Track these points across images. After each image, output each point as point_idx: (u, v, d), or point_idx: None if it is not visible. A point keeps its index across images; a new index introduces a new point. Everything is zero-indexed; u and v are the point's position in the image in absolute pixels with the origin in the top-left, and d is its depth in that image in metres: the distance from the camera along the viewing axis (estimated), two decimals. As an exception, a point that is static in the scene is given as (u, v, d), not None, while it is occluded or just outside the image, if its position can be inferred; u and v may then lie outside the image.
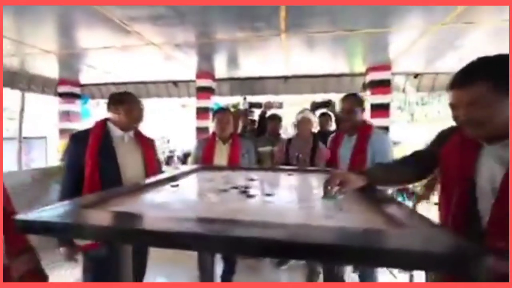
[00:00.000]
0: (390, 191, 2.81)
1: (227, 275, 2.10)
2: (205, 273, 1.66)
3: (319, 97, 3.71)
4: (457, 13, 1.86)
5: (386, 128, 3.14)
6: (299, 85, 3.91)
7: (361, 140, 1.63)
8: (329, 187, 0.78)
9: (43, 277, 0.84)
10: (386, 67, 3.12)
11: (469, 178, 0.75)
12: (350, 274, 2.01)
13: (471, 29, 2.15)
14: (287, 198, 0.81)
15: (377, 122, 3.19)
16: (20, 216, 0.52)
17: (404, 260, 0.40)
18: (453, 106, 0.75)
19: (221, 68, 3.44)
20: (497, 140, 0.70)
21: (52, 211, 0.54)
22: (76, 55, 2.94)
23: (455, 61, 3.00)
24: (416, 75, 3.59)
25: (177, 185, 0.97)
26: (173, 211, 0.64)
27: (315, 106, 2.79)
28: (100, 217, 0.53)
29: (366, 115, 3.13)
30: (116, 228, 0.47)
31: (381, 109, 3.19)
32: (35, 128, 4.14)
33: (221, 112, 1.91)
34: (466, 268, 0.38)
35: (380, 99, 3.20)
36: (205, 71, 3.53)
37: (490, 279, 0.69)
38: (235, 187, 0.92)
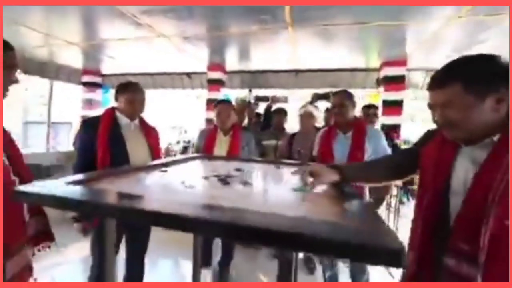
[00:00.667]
0: (394, 191, 2.76)
1: (225, 260, 2.20)
2: (201, 257, 1.75)
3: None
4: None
5: (397, 126, 3.03)
6: (310, 79, 3.86)
7: (357, 137, 1.63)
8: (302, 180, 0.81)
9: (51, 237, 0.99)
10: (401, 62, 2.98)
11: (443, 177, 0.75)
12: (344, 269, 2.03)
13: (493, 22, 1.99)
14: (261, 188, 0.85)
15: (389, 120, 3.09)
16: (18, 188, 0.62)
17: (328, 248, 0.43)
18: (430, 106, 0.75)
19: (231, 61, 3.48)
20: (474, 142, 0.69)
21: (45, 185, 0.63)
22: (97, 46, 3.14)
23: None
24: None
25: (165, 171, 1.05)
26: (148, 191, 0.71)
27: (316, 98, 2.75)
28: (80, 192, 0.61)
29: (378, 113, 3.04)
30: (89, 202, 0.55)
31: (394, 106, 3.07)
32: (62, 114, 4.48)
33: (221, 104, 1.96)
34: (387, 261, 0.41)
35: (393, 95, 3.07)
36: (216, 64, 3.60)
37: (446, 276, 0.69)
38: (217, 176, 0.98)
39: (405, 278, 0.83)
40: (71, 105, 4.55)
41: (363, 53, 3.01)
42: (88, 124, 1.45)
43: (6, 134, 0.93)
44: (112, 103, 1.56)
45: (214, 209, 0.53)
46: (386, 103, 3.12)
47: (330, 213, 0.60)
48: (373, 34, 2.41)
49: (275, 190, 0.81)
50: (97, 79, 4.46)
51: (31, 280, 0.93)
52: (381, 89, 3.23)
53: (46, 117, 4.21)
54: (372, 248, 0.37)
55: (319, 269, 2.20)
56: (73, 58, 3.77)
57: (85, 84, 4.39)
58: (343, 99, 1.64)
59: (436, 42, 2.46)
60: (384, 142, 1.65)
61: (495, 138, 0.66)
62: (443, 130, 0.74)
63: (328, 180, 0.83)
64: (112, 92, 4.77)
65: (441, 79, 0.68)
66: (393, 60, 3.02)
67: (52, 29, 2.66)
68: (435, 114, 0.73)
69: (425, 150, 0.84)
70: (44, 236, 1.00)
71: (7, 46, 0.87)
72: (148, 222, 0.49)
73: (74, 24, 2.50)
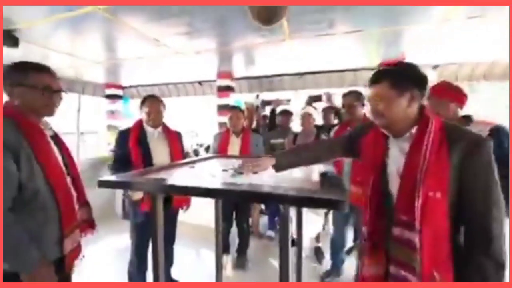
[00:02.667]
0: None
1: (242, 248, 2.48)
2: (222, 246, 2.00)
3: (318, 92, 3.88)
4: (458, 9, 1.93)
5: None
6: (315, 80, 4.08)
7: None
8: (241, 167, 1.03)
9: (94, 225, 1.23)
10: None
11: (380, 165, 0.92)
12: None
13: (475, 24, 2.16)
14: (265, 174, 1.13)
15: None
16: (101, 178, 0.92)
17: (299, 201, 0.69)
18: (368, 100, 0.91)
19: (239, 69, 3.78)
20: (398, 134, 0.87)
21: (119, 176, 0.94)
22: (118, 64, 3.52)
23: (474, 51, 2.94)
24: (435, 66, 3.54)
25: (193, 167, 1.34)
26: (185, 178, 1.00)
27: (311, 100, 2.99)
28: (144, 179, 0.91)
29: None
30: (153, 183, 0.84)
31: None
32: (89, 124, 4.94)
33: (232, 110, 2.26)
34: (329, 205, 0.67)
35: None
36: (224, 72, 3.90)
37: (393, 243, 0.86)
38: (233, 168, 1.25)
39: (363, 250, 0.97)
40: (97, 116, 5.01)
41: (363, 54, 3.20)
42: (122, 134, 1.79)
43: (64, 143, 1.18)
44: (135, 113, 1.88)
45: (233, 184, 0.81)
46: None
47: (310, 185, 0.87)
48: (368, 39, 2.61)
49: (274, 175, 1.08)
50: (119, 92, 4.90)
51: (80, 257, 1.13)
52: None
53: (75, 128, 4.68)
54: (319, 200, 0.64)
55: (326, 258, 2.43)
56: (98, 75, 4.20)
57: (108, 96, 4.84)
58: (352, 100, 1.83)
59: (428, 41, 2.64)
60: None
61: (413, 131, 0.83)
62: (375, 118, 0.90)
63: (266, 166, 1.03)
64: (131, 102, 5.22)
65: (376, 77, 0.87)
66: (391, 59, 3.20)
67: (80, 51, 3.03)
68: (370, 105, 0.90)
69: (364, 141, 1.01)
70: (88, 224, 1.21)
71: (53, 72, 1.06)
72: (192, 194, 0.78)
73: (99, 46, 2.85)
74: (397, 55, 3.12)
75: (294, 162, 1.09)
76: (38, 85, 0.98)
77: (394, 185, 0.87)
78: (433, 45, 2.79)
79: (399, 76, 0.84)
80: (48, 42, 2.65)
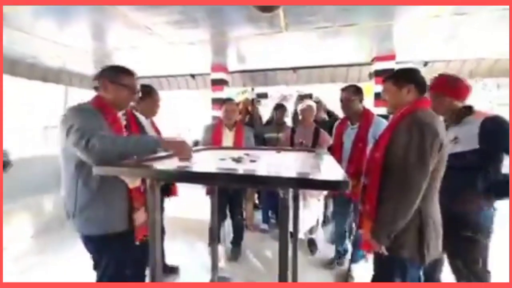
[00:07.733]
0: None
1: (236, 240, 2.49)
2: (215, 239, 1.99)
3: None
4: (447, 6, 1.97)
5: (388, 117, 3.26)
6: (308, 76, 4.10)
7: (362, 130, 1.83)
8: None
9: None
10: (390, 57, 3.21)
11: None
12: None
13: (466, 20, 2.22)
14: (260, 163, 1.13)
15: (381, 110, 3.32)
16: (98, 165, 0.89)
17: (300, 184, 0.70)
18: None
19: (233, 62, 3.73)
20: None
21: (116, 164, 0.91)
22: (109, 53, 3.40)
23: (462, 48, 3.03)
24: (425, 63, 3.62)
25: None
26: (186, 167, 0.98)
27: (301, 98, 3.04)
28: (143, 166, 0.89)
29: (370, 104, 3.29)
30: (154, 170, 0.83)
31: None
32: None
33: (228, 102, 2.24)
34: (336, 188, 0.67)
35: (384, 88, 3.31)
36: (218, 65, 3.85)
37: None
38: (231, 158, 1.25)
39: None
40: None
41: (356, 50, 3.23)
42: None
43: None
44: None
45: (232, 170, 0.80)
46: (378, 95, 3.36)
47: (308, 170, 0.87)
48: (363, 33, 2.63)
49: (270, 163, 1.08)
50: (107, 84, 4.73)
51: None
52: (373, 82, 3.46)
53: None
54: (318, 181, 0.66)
55: (320, 250, 2.49)
56: (85, 65, 4.03)
57: (96, 88, 4.66)
58: (349, 94, 1.85)
59: (417, 37, 2.70)
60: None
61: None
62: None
63: None
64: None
65: (386, 78, 1.27)
66: (383, 55, 3.25)
67: (67, 39, 2.88)
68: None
69: None
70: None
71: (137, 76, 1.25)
72: (192, 180, 0.77)
73: (87, 34, 2.72)
74: (389, 51, 3.17)
75: None
76: (129, 85, 1.23)
77: None
78: (422, 41, 2.85)
79: (399, 77, 1.22)
80: (32, 28, 2.51)
